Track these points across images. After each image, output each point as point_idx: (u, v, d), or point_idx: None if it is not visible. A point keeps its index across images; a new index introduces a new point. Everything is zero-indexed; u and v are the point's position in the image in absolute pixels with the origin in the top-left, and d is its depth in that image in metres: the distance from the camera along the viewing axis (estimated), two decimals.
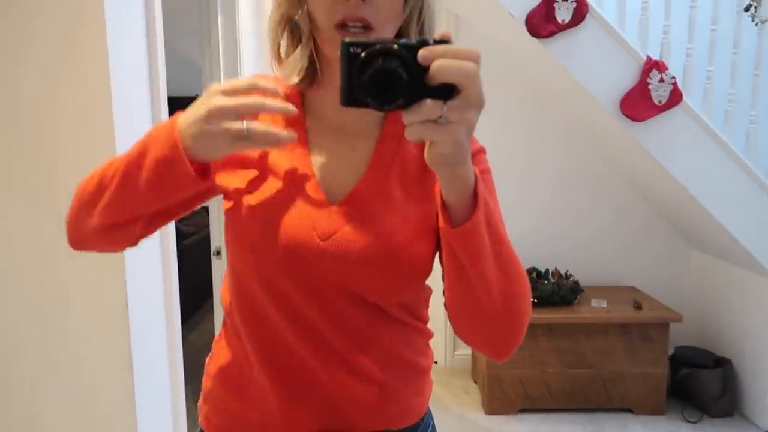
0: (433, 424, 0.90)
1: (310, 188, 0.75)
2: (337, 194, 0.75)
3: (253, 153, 0.76)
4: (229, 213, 0.76)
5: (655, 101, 2.55)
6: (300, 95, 0.80)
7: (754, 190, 2.65)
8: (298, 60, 0.75)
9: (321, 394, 0.77)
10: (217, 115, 0.63)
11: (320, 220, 0.73)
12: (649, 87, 2.54)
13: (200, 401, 0.88)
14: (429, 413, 0.89)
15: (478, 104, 0.57)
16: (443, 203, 0.64)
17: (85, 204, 0.76)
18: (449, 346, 3.53)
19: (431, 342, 0.89)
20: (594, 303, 3.06)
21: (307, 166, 0.76)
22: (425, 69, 0.56)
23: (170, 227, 1.50)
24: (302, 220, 0.73)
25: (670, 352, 3.18)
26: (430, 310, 0.87)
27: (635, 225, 3.44)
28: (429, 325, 0.87)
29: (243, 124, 0.63)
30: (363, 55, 0.56)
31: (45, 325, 1.25)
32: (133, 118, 1.29)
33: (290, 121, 0.78)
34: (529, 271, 3.26)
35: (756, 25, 2.59)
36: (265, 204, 0.73)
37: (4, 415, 1.26)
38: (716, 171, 2.65)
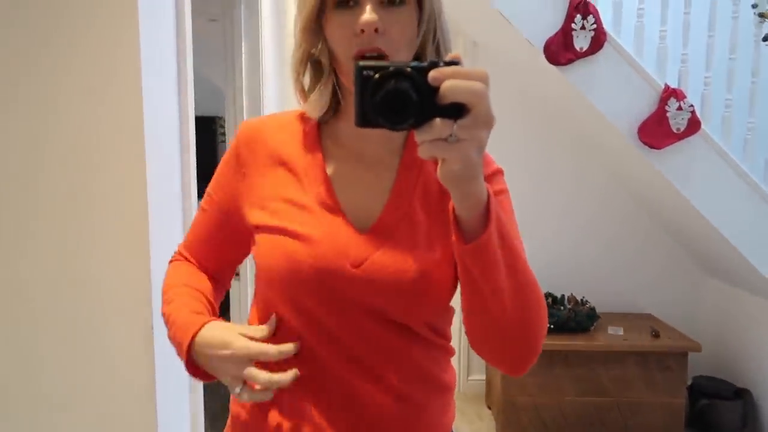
0: None
1: (337, 219, 0.77)
2: (363, 222, 0.77)
3: (281, 189, 0.81)
4: (259, 245, 0.79)
5: (674, 129, 2.55)
6: (317, 128, 0.83)
7: None
8: (320, 95, 0.79)
9: (353, 411, 0.78)
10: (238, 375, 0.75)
11: (350, 249, 0.75)
12: (668, 115, 2.55)
13: (228, 427, 0.89)
14: None
15: (488, 122, 0.59)
16: (456, 219, 0.65)
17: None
18: (463, 371, 3.51)
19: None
20: (611, 330, 3.03)
21: (331, 197, 0.78)
22: (435, 89, 0.58)
23: None
24: (333, 250, 0.75)
25: (689, 382, 3.13)
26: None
27: (652, 252, 3.42)
28: None
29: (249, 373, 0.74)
30: (376, 77, 0.59)
31: (72, 343, 1.26)
32: (162, 136, 1.32)
33: (309, 148, 0.82)
34: (545, 296, 3.24)
35: None
36: (294, 235, 0.76)
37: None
38: (735, 199, 2.64)
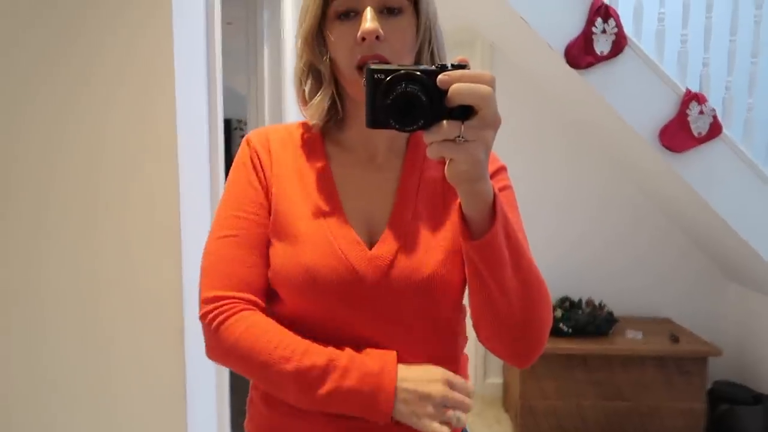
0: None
1: (347, 234, 0.78)
2: (372, 234, 0.80)
3: (289, 198, 0.81)
4: (273, 256, 0.80)
5: (695, 133, 2.54)
6: (321, 136, 0.86)
7: None
8: (319, 103, 0.81)
9: (372, 425, 0.77)
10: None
11: (363, 263, 0.77)
12: (689, 119, 2.54)
13: (246, 422, 0.89)
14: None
15: (494, 124, 0.61)
16: (463, 217, 0.68)
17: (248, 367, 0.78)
18: (479, 374, 3.51)
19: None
20: (630, 334, 3.02)
21: (338, 206, 0.80)
22: (444, 92, 0.60)
23: None
24: (346, 264, 0.76)
25: (708, 387, 3.11)
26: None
27: (671, 256, 3.40)
28: None
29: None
30: (386, 80, 0.61)
31: (105, 342, 1.29)
32: (194, 139, 1.35)
33: (314, 156, 0.84)
34: (563, 300, 3.23)
35: None
36: (300, 250, 0.77)
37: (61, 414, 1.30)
38: (757, 203, 2.62)
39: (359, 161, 0.84)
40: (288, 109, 2.45)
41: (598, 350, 2.91)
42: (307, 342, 0.76)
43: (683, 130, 2.55)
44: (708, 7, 2.58)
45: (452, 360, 0.85)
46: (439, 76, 0.60)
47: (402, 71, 0.61)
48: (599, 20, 2.50)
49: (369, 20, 0.73)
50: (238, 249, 0.80)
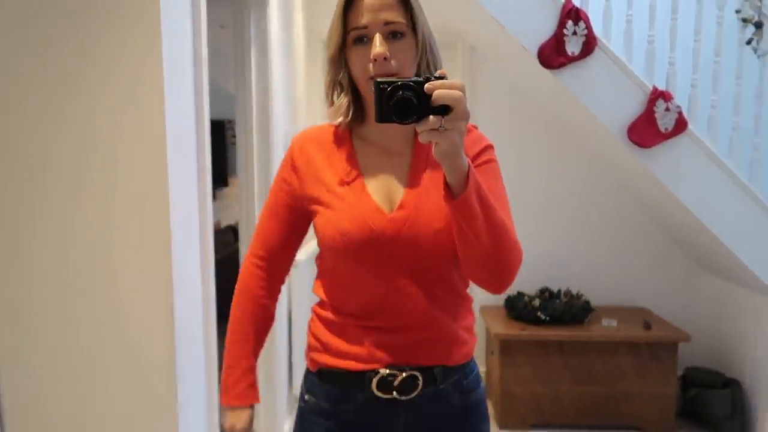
0: (478, 372, 1.17)
1: (369, 202, 1.05)
2: (391, 203, 1.06)
3: (328, 182, 1.09)
4: (316, 224, 1.10)
5: (661, 129, 2.68)
6: (348, 132, 1.12)
7: (758, 215, 2.74)
8: (337, 107, 1.09)
9: (396, 337, 1.06)
10: None
11: (383, 224, 1.04)
12: (656, 115, 2.67)
13: (309, 354, 1.17)
14: (474, 363, 1.16)
15: (465, 117, 0.85)
16: (446, 184, 0.91)
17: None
18: None
19: None
20: (605, 322, 3.16)
21: (360, 184, 1.07)
22: (429, 96, 0.85)
23: (210, 243, 1.66)
24: (371, 226, 1.03)
25: (680, 372, 3.25)
26: None
27: (647, 249, 3.54)
28: None
29: None
30: (389, 89, 0.87)
31: (100, 323, 1.41)
32: (181, 138, 1.46)
33: (344, 149, 1.11)
34: (542, 291, 3.37)
35: (758, 57, 2.72)
36: (337, 217, 1.05)
37: (59, 404, 1.42)
38: (721, 196, 2.75)
39: (379, 150, 1.10)
40: (275, 109, 2.57)
41: (574, 337, 3.04)
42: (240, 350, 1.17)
43: (650, 127, 2.69)
44: (673, 8, 2.71)
45: (458, 295, 1.11)
46: (426, 85, 0.85)
47: (399, 83, 0.87)
48: (570, 23, 2.63)
49: (378, 45, 0.99)
50: (270, 219, 1.17)
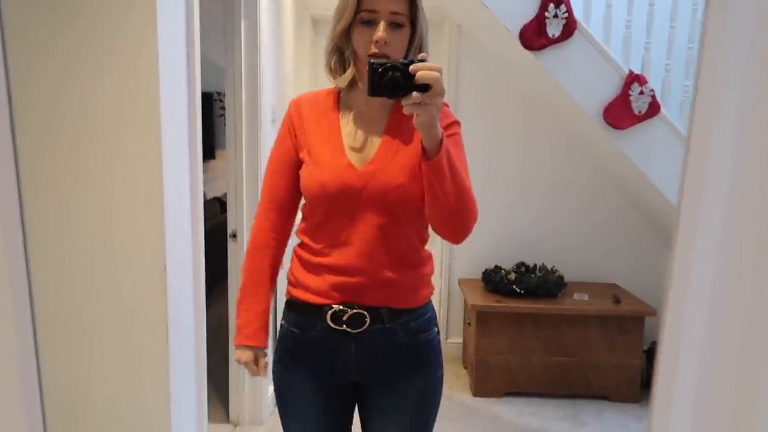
0: (431, 317, 1.34)
1: (343, 159, 1.24)
2: (363, 161, 1.24)
3: (314, 140, 1.27)
4: (302, 176, 1.28)
5: (635, 111, 2.79)
6: (336, 95, 1.31)
7: None
8: (347, 76, 1.26)
9: (351, 278, 1.24)
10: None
11: (354, 178, 1.22)
12: (630, 98, 2.79)
13: (287, 287, 1.37)
14: (428, 308, 1.33)
15: (442, 93, 1.05)
16: (423, 149, 1.11)
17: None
18: (442, 336, 3.78)
19: None
20: (576, 296, 3.30)
21: (338, 143, 1.26)
22: (413, 76, 1.04)
23: (199, 209, 1.74)
24: (343, 179, 1.22)
25: (647, 345, 3.41)
26: None
27: (620, 227, 3.67)
28: None
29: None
30: (380, 69, 1.07)
31: (95, 282, 1.50)
32: (174, 109, 1.54)
33: (332, 112, 1.29)
34: (518, 265, 3.50)
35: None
36: (316, 171, 1.24)
37: (55, 367, 1.51)
38: None
39: (360, 115, 1.28)
40: (264, 83, 2.63)
41: (547, 310, 3.18)
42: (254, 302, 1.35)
43: (625, 109, 2.80)
44: None
45: (413, 249, 1.29)
46: (410, 67, 1.04)
47: (389, 64, 1.06)
48: (551, 6, 2.72)
49: (381, 30, 1.17)
50: (275, 174, 1.34)
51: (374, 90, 1.06)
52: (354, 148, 1.25)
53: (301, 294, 1.30)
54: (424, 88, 1.03)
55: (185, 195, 1.67)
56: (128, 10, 1.40)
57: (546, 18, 2.73)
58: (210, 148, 4.49)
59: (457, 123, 1.30)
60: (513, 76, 3.51)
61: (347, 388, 1.35)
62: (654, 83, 2.79)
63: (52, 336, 1.50)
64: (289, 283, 1.35)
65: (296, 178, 1.31)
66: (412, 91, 1.03)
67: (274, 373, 1.39)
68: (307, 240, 1.30)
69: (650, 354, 3.37)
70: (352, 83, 1.26)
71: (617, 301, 3.23)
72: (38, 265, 1.47)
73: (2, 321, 0.49)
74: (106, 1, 1.41)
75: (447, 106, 1.30)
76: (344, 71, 1.25)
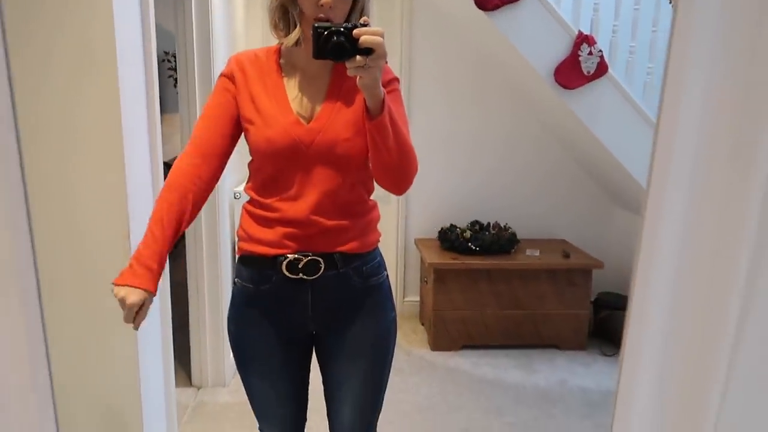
0: (380, 262, 1.40)
1: (290, 116, 1.26)
2: (309, 115, 1.27)
3: (258, 97, 1.27)
4: (249, 133, 1.28)
5: (584, 71, 2.88)
6: (278, 53, 1.32)
7: None
8: (294, 35, 1.25)
9: (302, 227, 1.28)
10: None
11: (302, 133, 1.25)
12: (580, 59, 2.87)
13: (237, 244, 1.38)
14: (376, 254, 1.39)
15: (384, 57, 1.10)
16: (366, 108, 1.16)
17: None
18: (399, 295, 3.87)
19: None
20: (528, 252, 3.43)
21: (284, 101, 1.28)
22: (357, 40, 1.08)
23: (160, 166, 1.73)
24: (291, 135, 1.24)
25: (594, 297, 3.59)
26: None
27: (568, 185, 3.81)
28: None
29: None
30: (325, 33, 1.10)
31: (60, 242, 1.48)
32: (132, 70, 1.51)
33: (273, 70, 1.30)
34: (473, 223, 3.60)
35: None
36: (265, 128, 1.25)
37: None
38: (635, 135, 3.01)
39: (303, 73, 1.29)
40: (216, 46, 2.58)
41: (500, 266, 3.30)
42: (153, 233, 1.21)
43: (575, 69, 2.88)
44: None
45: (360, 199, 1.33)
46: (354, 31, 1.08)
47: (334, 29, 1.09)
48: None
49: None
50: (208, 120, 1.29)
51: (319, 53, 1.10)
52: (299, 104, 1.27)
53: (254, 247, 1.32)
54: (367, 51, 1.07)
55: (145, 159, 1.65)
56: None
57: None
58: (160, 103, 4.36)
59: (396, 80, 1.34)
60: (466, 36, 3.54)
61: (304, 339, 1.39)
62: (602, 44, 2.87)
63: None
64: (240, 239, 1.36)
65: (231, 131, 1.29)
66: (355, 54, 1.08)
67: (230, 331, 1.41)
68: (256, 196, 1.32)
69: (597, 304, 3.56)
70: (297, 42, 1.27)
71: (566, 255, 3.38)
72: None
73: None
74: None
75: (386, 62, 1.34)
76: (289, 30, 1.25)
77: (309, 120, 1.27)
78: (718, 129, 0.57)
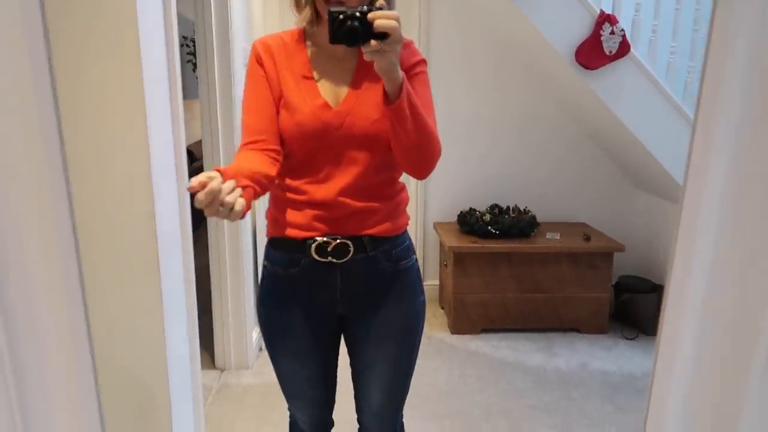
0: (409, 245, 1.39)
1: (318, 99, 1.26)
2: (337, 97, 1.27)
3: (285, 81, 1.28)
4: (279, 121, 1.28)
5: (606, 51, 2.83)
6: (302, 35, 1.31)
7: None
8: (305, 16, 1.27)
9: (331, 210, 1.27)
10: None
11: (330, 116, 1.25)
12: (601, 38, 2.82)
13: (267, 227, 1.39)
14: (407, 237, 1.39)
15: (399, 41, 1.08)
16: (384, 93, 1.15)
17: None
18: None
19: None
20: (549, 235, 3.41)
21: (312, 84, 1.28)
22: (371, 24, 1.06)
23: (183, 156, 1.74)
24: (320, 118, 1.25)
25: (615, 280, 3.57)
26: None
27: (589, 169, 3.77)
28: None
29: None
30: (340, 17, 1.08)
31: (86, 224, 1.50)
32: (154, 55, 1.52)
33: (299, 53, 1.30)
34: (492, 207, 3.59)
35: None
36: (294, 112, 1.26)
37: None
38: (658, 116, 2.97)
39: (329, 55, 1.29)
40: (235, 30, 2.58)
41: (520, 249, 3.29)
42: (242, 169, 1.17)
43: (596, 49, 2.84)
44: None
45: (389, 180, 1.33)
46: (368, 15, 1.06)
47: (348, 13, 1.07)
48: None
49: None
50: (255, 112, 1.28)
51: (334, 38, 1.09)
52: (327, 87, 1.27)
53: (283, 230, 1.32)
54: (383, 36, 1.06)
55: (168, 141, 1.66)
56: None
57: None
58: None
59: (423, 61, 1.32)
60: (485, 18, 3.49)
61: (333, 322, 1.39)
62: (624, 23, 2.82)
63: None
64: (270, 222, 1.37)
65: (275, 115, 1.28)
66: (370, 39, 1.06)
67: (259, 313, 1.42)
68: (286, 180, 1.31)
69: (618, 288, 3.54)
70: (319, 21, 1.26)
71: (587, 238, 3.36)
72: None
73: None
74: None
75: (412, 42, 1.32)
76: (312, 17, 1.25)
77: (337, 102, 1.26)
78: (760, 119, 0.55)
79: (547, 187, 3.78)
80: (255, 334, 3.01)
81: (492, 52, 3.59)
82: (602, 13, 2.81)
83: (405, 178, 1.39)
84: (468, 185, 3.74)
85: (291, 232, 1.30)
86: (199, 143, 3.77)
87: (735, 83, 0.56)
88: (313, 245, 1.29)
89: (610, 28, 2.81)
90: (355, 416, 1.50)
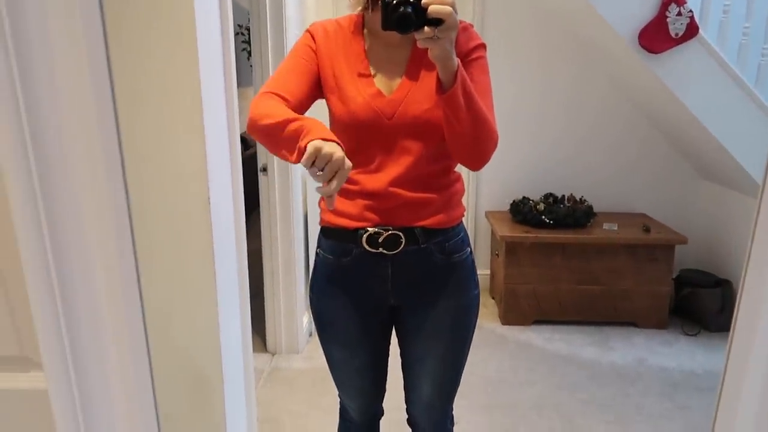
0: (464, 237, 1.35)
1: (372, 87, 1.24)
2: (390, 86, 1.25)
3: (339, 67, 1.26)
4: (332, 103, 1.27)
5: (672, 34, 2.69)
6: (359, 21, 1.29)
7: (762, 120, 2.81)
8: (361, 1, 1.25)
9: (383, 201, 1.25)
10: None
11: (383, 105, 1.23)
12: (667, 20, 2.68)
13: (319, 215, 1.37)
14: (460, 229, 1.35)
15: (455, 28, 1.04)
16: (439, 80, 1.11)
17: (257, 129, 1.18)
18: None
19: None
20: (606, 226, 3.30)
21: (366, 72, 1.26)
22: (425, 10, 1.03)
23: (237, 143, 1.76)
24: (373, 107, 1.23)
25: (676, 274, 3.43)
26: None
27: (650, 157, 3.61)
28: None
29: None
30: (393, 3, 1.05)
31: (143, 212, 1.54)
32: (210, 44, 1.53)
33: (355, 38, 1.28)
34: (546, 196, 3.50)
35: None
36: (346, 100, 1.24)
37: None
38: (728, 102, 2.81)
39: (385, 42, 1.26)
40: (290, 17, 2.59)
41: (575, 239, 3.19)
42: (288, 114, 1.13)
43: (662, 31, 2.70)
44: None
45: (443, 170, 1.29)
46: (422, 1, 1.03)
47: None
48: None
49: None
50: (291, 65, 1.25)
51: (386, 24, 1.06)
52: (381, 75, 1.25)
53: (335, 219, 1.30)
54: (437, 22, 1.02)
55: (223, 128, 1.68)
56: None
57: None
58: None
59: (482, 46, 1.28)
60: (542, 3, 3.38)
61: (385, 312, 1.37)
62: (692, 3, 2.68)
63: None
64: (322, 210, 1.35)
65: (310, 86, 1.24)
66: (423, 25, 1.03)
67: (311, 301, 1.42)
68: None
69: (679, 282, 3.40)
70: (374, 7, 1.23)
71: (647, 230, 3.23)
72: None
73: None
74: None
75: (471, 26, 1.28)
76: (367, 2, 1.23)
77: (390, 91, 1.24)
78: None
79: (605, 176, 3.65)
80: (306, 319, 3.05)
81: (544, 31, 3.46)
82: None
83: (458, 167, 1.36)
84: (520, 174, 3.65)
85: (342, 222, 1.29)
86: None
87: None
88: (364, 236, 1.27)
89: (677, 9, 2.67)
90: (404, 405, 1.49)
